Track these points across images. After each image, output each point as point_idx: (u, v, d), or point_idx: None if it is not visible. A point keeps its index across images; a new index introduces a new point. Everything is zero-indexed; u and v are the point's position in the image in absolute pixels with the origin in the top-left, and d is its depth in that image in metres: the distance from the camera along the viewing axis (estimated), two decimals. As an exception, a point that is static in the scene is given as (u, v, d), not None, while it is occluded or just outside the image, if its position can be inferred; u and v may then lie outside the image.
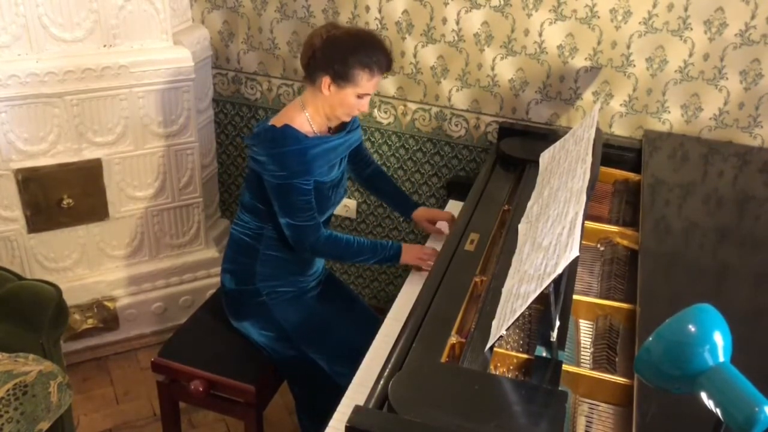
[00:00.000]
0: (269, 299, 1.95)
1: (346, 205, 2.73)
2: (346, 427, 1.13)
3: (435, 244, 2.01)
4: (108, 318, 2.56)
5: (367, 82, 1.78)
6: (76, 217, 2.39)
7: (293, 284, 1.98)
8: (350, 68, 1.75)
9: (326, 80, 1.78)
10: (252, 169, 1.87)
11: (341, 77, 1.76)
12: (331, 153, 1.87)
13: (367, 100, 1.83)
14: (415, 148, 2.57)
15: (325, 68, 1.77)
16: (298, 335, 1.94)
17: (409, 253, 1.93)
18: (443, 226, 2.12)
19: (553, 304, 1.34)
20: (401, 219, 2.70)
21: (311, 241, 1.85)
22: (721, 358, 0.86)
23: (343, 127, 1.95)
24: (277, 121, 1.84)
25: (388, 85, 2.50)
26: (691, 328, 0.87)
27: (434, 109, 2.48)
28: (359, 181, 2.24)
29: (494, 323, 1.37)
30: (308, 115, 1.86)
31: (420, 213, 2.15)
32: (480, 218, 1.85)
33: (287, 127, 1.80)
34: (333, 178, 1.92)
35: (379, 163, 2.62)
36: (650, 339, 0.89)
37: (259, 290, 1.94)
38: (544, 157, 1.93)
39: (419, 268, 1.93)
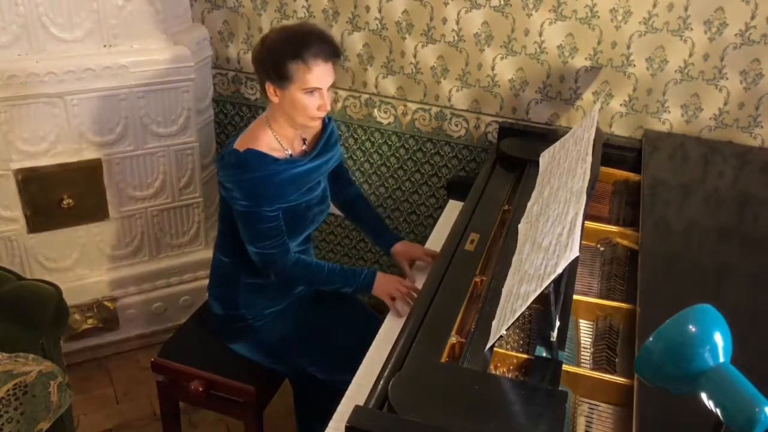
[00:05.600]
0: (256, 322, 1.91)
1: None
2: (346, 427, 1.13)
3: (419, 275, 1.88)
4: (108, 318, 2.56)
5: (306, 75, 1.65)
6: (76, 217, 2.39)
7: (279, 302, 1.94)
8: (283, 65, 1.64)
9: (269, 86, 1.69)
10: (222, 195, 1.79)
11: (279, 77, 1.66)
12: (302, 178, 1.77)
13: (320, 96, 1.69)
14: (415, 148, 2.57)
15: (264, 74, 1.69)
16: (290, 352, 1.91)
17: (383, 285, 1.79)
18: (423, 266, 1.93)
19: (553, 304, 1.34)
20: (401, 219, 2.70)
21: (278, 267, 1.78)
22: (722, 359, 0.86)
23: (318, 142, 1.84)
24: (241, 143, 1.74)
25: (388, 85, 2.50)
26: (691, 328, 0.87)
27: (434, 109, 2.48)
28: (335, 204, 2.09)
29: (494, 323, 1.37)
30: (274, 131, 1.76)
31: (400, 248, 1.99)
32: (480, 218, 1.85)
33: (250, 152, 1.70)
34: (311, 198, 1.83)
35: (379, 163, 2.63)
36: (650, 339, 0.89)
37: (244, 315, 1.91)
38: (544, 157, 1.93)
39: (398, 301, 1.77)
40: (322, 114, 1.75)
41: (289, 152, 1.79)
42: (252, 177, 1.70)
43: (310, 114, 1.72)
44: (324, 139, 1.86)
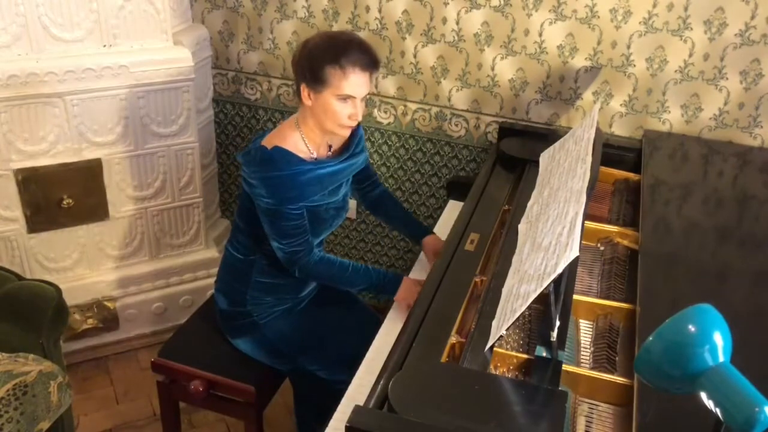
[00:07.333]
0: (261, 319, 1.91)
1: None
2: (346, 427, 1.13)
3: (421, 275, 1.91)
4: (108, 318, 2.56)
5: (340, 81, 1.65)
6: (76, 217, 2.39)
7: (287, 301, 1.94)
8: (320, 69, 1.65)
9: (304, 89, 1.70)
10: (245, 190, 1.80)
11: (315, 80, 1.67)
12: (327, 179, 1.78)
13: (353, 103, 1.70)
14: (415, 148, 2.57)
15: (301, 76, 1.70)
16: (292, 350, 1.91)
17: (405, 292, 1.81)
18: None
19: (553, 304, 1.34)
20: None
21: (302, 264, 1.78)
22: (721, 358, 0.86)
23: (346, 148, 1.86)
24: (269, 140, 1.75)
25: (388, 85, 2.50)
26: (691, 328, 0.87)
27: (434, 109, 2.48)
28: (364, 205, 2.13)
29: (494, 323, 1.37)
30: (302, 133, 1.78)
31: (431, 241, 2.02)
32: (480, 218, 1.85)
33: (277, 150, 1.71)
34: (333, 201, 1.84)
35: (379, 163, 2.63)
36: (650, 339, 0.89)
37: (250, 312, 1.91)
38: (544, 157, 1.93)
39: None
40: (352, 123, 1.74)
41: (314, 155, 1.80)
42: (278, 175, 1.71)
43: (339, 121, 1.72)
44: (352, 146, 1.87)
